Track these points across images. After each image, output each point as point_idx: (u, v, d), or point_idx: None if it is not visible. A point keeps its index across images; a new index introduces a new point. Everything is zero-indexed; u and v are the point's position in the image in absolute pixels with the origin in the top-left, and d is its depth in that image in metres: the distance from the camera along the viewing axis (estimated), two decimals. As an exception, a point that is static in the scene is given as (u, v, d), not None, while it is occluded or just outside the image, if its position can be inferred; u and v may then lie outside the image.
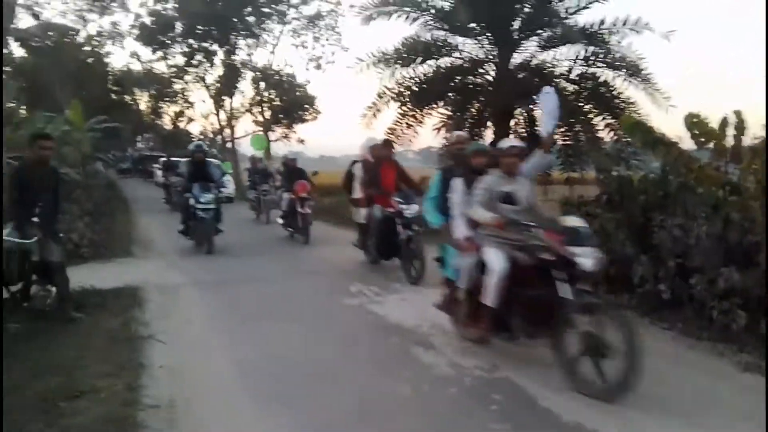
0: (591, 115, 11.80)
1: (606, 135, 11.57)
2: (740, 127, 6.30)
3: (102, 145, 30.22)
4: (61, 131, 16.83)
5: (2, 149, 9.20)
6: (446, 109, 12.50)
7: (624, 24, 10.86)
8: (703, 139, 6.60)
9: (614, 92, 11.37)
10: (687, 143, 6.76)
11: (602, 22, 11.00)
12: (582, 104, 11.84)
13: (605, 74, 11.40)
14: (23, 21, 23.40)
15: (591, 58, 11.37)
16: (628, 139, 10.29)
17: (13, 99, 14.29)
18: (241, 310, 6.22)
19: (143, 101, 42.06)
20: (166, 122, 44.37)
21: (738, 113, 6.29)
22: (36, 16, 29.76)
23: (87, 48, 34.88)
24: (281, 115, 34.22)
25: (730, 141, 6.41)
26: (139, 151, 49.39)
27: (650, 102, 11.16)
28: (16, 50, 29.59)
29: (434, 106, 12.62)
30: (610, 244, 6.09)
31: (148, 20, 31.52)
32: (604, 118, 11.65)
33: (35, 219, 5.31)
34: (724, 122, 6.37)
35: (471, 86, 12.56)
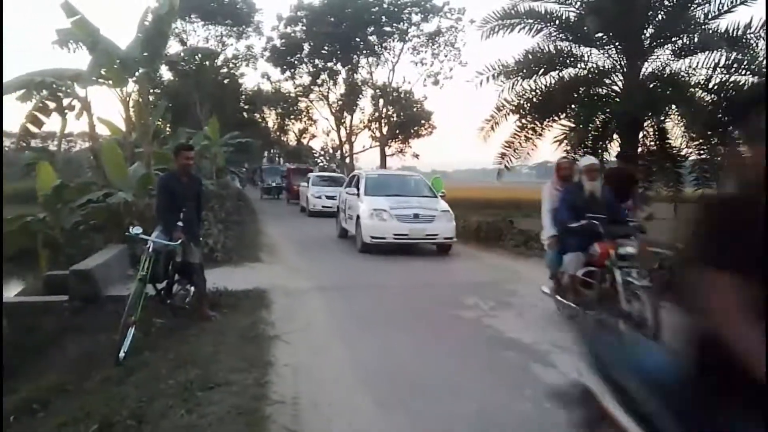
0: (730, 128, 10.86)
1: (747, 148, 10.57)
2: None
3: (234, 159, 32.62)
4: (201, 145, 18.38)
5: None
6: (569, 121, 12.08)
7: (774, 26, 9.91)
8: None
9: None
10: None
11: (748, 26, 10.12)
12: (721, 115, 10.93)
13: (750, 82, 10.43)
14: (172, 48, 25.86)
15: (733, 65, 10.46)
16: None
17: (160, 117, 15.81)
18: (362, 314, 6.40)
19: (271, 119, 44.87)
20: (291, 138, 47.01)
21: None
22: (183, 42, 33.03)
23: (224, 70, 37.88)
24: (398, 131, 34.92)
25: None
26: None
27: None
28: (165, 74, 32.77)
29: (555, 118, 12.25)
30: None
31: (278, 42, 33.67)
32: (746, 130, 10.66)
33: (180, 223, 5.81)
34: None
35: (596, 97, 12.05)
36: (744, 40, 10.27)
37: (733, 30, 10.33)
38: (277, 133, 47.08)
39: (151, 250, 5.49)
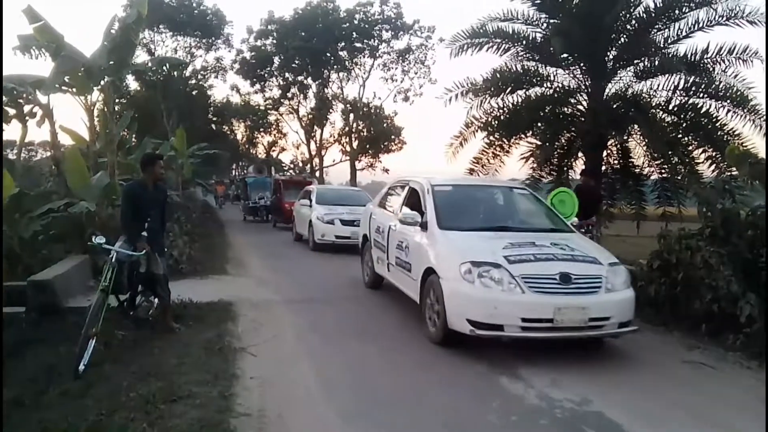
0: (690, 148, 11.26)
1: (706, 168, 10.98)
2: None
3: (201, 171, 32.21)
4: (167, 156, 18.09)
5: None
6: (535, 139, 12.34)
7: (730, 52, 10.36)
8: (820, 172, 6.15)
9: (717, 124, 10.79)
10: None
11: (706, 51, 10.54)
12: (681, 136, 11.32)
13: (708, 105, 10.85)
14: (139, 57, 25.53)
15: (692, 88, 10.87)
16: (732, 172, 9.75)
17: (126, 127, 15.52)
18: (326, 328, 6.36)
19: (240, 131, 44.53)
20: (260, 151, 46.69)
21: None
22: (151, 52, 32.61)
23: (192, 81, 37.52)
24: (368, 146, 35.08)
25: None
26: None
27: (758, 135, 10.46)
28: (132, 83, 32.28)
29: (522, 136, 12.51)
30: (714, 279, 5.73)
31: (248, 55, 33.55)
32: (704, 151, 11.06)
33: (144, 233, 5.70)
34: None
35: (561, 116, 12.36)
36: (702, 65, 10.69)
37: (692, 54, 10.76)
38: (246, 146, 46.74)
39: (114, 260, 5.36)
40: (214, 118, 41.88)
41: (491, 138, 12.46)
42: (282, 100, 35.49)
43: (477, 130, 12.48)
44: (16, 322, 6.34)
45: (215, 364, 4.79)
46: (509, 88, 12.01)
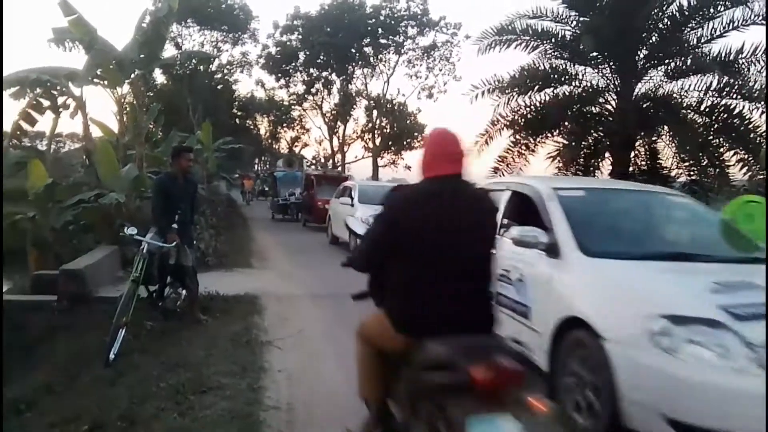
0: (722, 150, 11.03)
1: (737, 171, 10.75)
2: None
3: (225, 165, 32.48)
4: (194, 149, 18.29)
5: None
6: (562, 138, 12.21)
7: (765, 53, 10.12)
8: None
9: (750, 125, 10.55)
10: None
11: (740, 51, 10.31)
12: (712, 137, 11.10)
13: (741, 106, 10.61)
14: (167, 51, 25.81)
15: (725, 89, 10.64)
16: (763, 175, 9.55)
17: (153, 120, 15.74)
18: (352, 321, 6.37)
19: (263, 126, 44.83)
20: (283, 146, 46.98)
21: None
22: (178, 45, 32.97)
23: (218, 75, 37.83)
24: (390, 142, 35.04)
25: None
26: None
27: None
28: (158, 77, 32.67)
29: (549, 135, 12.38)
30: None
31: (273, 50, 33.73)
32: (735, 153, 10.82)
33: (175, 225, 5.78)
34: None
35: (589, 115, 12.20)
36: (736, 65, 10.46)
37: (725, 54, 10.52)
38: (269, 141, 47.07)
39: (145, 251, 5.45)
40: (239, 113, 42.20)
41: (517, 136, 12.35)
42: (306, 96, 35.64)
43: (503, 128, 12.38)
44: (48, 310, 6.50)
45: (243, 357, 4.84)
46: (537, 86, 11.87)
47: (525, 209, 4.67)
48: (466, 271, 2.45)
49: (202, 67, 34.53)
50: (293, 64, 33.91)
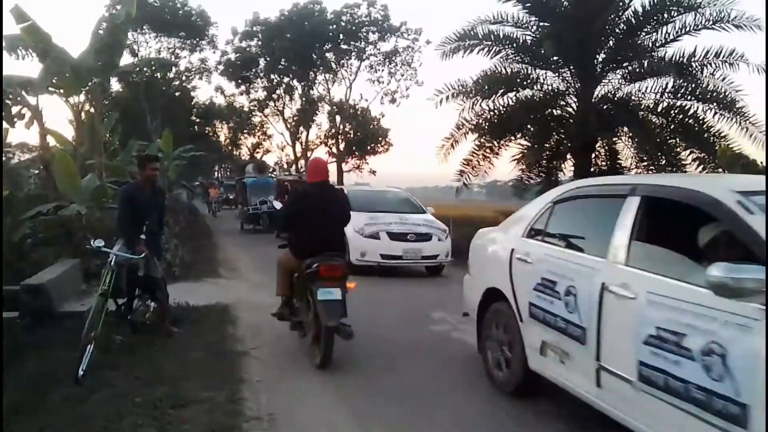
0: (678, 149, 11.44)
1: (694, 169, 11.16)
2: None
3: (185, 174, 31.85)
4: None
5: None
6: (525, 141, 12.44)
7: (717, 56, 10.54)
8: (811, 173, 6.28)
9: (704, 125, 10.98)
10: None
11: (693, 54, 10.72)
12: (669, 138, 11.50)
13: (695, 107, 11.04)
14: (123, 58, 25.25)
15: (679, 91, 11.05)
16: (719, 173, 9.93)
17: (110, 129, 15.35)
18: None
19: (223, 133, 44.25)
20: (244, 153, 46.44)
21: None
22: (134, 53, 32.28)
23: (176, 82, 37.20)
24: (354, 147, 35.04)
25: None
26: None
27: (744, 136, 10.64)
28: (114, 84, 31.91)
29: (512, 138, 12.61)
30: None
31: (233, 56, 33.36)
32: (691, 152, 11.25)
33: (143, 236, 5.63)
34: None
35: (550, 118, 12.48)
36: (689, 68, 10.86)
37: (679, 57, 10.93)
38: (230, 148, 46.47)
39: (113, 263, 5.29)
40: (198, 120, 41.57)
41: (482, 140, 12.55)
42: (267, 102, 35.37)
43: (468, 132, 12.56)
44: (10, 327, 6.21)
45: (219, 368, 4.75)
46: (500, 91, 12.10)
47: (672, 226, 3.24)
48: (327, 228, 5.17)
49: (159, 74, 33.94)
50: (253, 70, 33.62)
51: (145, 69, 30.77)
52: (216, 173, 54.59)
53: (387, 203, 11.36)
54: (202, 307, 6.90)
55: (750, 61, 10.36)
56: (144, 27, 31.89)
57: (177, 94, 37.94)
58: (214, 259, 11.53)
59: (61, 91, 11.27)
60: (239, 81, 34.23)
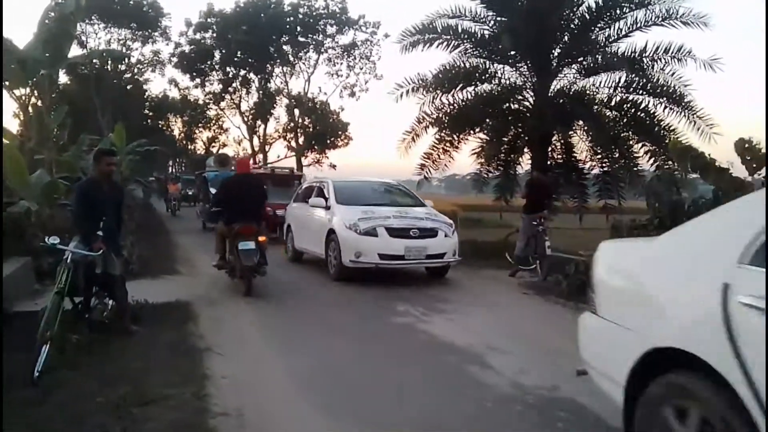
0: (631, 142, 11.80)
1: (645, 162, 11.55)
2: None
3: (138, 169, 30.88)
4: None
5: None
6: (484, 135, 12.62)
7: (665, 51, 10.91)
8: (755, 165, 6.59)
9: (655, 119, 11.36)
10: (738, 169, 6.74)
11: (644, 50, 11.06)
12: (621, 131, 11.86)
13: (646, 101, 11.41)
14: (72, 50, 24.34)
15: (632, 85, 11.40)
16: (669, 165, 10.30)
17: (59, 123, 14.79)
18: (279, 319, 6.40)
19: (177, 126, 43.28)
20: (199, 147, 45.54)
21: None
22: (83, 44, 31.15)
23: (128, 75, 36.13)
24: (314, 141, 34.79)
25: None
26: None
27: (692, 129, 11.06)
28: (62, 77, 30.73)
29: (472, 131, 12.77)
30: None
31: (187, 48, 32.59)
32: (643, 145, 11.63)
33: (100, 233, 5.48)
34: (778, 148, 6.33)
35: (508, 113, 12.68)
36: (640, 63, 11.21)
37: (631, 53, 11.27)
38: (184, 142, 45.48)
39: (69, 261, 5.13)
40: (151, 114, 40.50)
41: (442, 134, 12.66)
42: (223, 95, 34.71)
43: (428, 126, 12.65)
44: (-42, 330, 5.95)
45: (183, 365, 4.67)
46: (459, 85, 12.23)
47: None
48: (246, 204, 7.61)
49: (110, 66, 32.89)
50: (208, 62, 32.94)
51: (95, 61, 29.73)
52: (170, 168, 53.36)
53: (380, 195, 10.15)
54: (161, 305, 6.76)
55: (697, 57, 10.76)
56: (93, 17, 30.80)
57: (129, 87, 36.86)
58: (172, 255, 11.28)
59: (7, 83, 10.79)
60: (194, 74, 33.47)
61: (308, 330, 6.11)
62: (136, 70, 36.43)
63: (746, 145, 6.56)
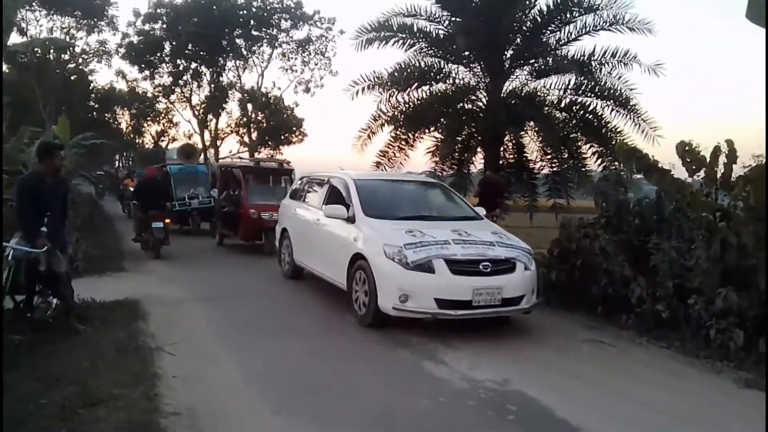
0: (579, 143, 12.14)
1: (593, 162, 11.91)
2: (731, 156, 6.58)
3: (82, 163, 29.70)
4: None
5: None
6: (439, 134, 12.73)
7: (612, 56, 11.28)
8: (694, 167, 6.88)
9: (603, 121, 11.74)
10: (679, 171, 7.03)
11: (592, 54, 11.41)
12: (571, 132, 12.18)
13: (594, 104, 11.78)
14: (11, 37, 23.24)
15: (580, 88, 11.74)
16: (615, 166, 10.66)
17: (-2, 114, 14.08)
18: (234, 320, 6.30)
19: (125, 119, 41.95)
20: (148, 141, 44.28)
21: (730, 142, 6.56)
22: (22, 32, 29.75)
23: (72, 65, 34.75)
24: (267, 137, 34.33)
25: (720, 169, 6.70)
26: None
27: (637, 131, 11.47)
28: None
29: (427, 130, 12.87)
30: (610, 265, 6.27)
31: (135, 39, 31.58)
32: (591, 146, 11.98)
33: (44, 228, 5.28)
34: (716, 151, 6.64)
35: (462, 112, 12.83)
36: (589, 66, 11.55)
37: (580, 56, 11.60)
38: (132, 135, 44.11)
39: (10, 258, 4.92)
40: (96, 106, 39.06)
41: (397, 132, 12.71)
42: (173, 88, 33.78)
43: (384, 124, 12.69)
44: None
45: (132, 365, 4.56)
46: (414, 84, 12.30)
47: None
48: (157, 198, 10.90)
49: (53, 55, 31.57)
50: (158, 54, 31.96)
51: (36, 50, 28.45)
52: (117, 162, 51.61)
53: (422, 202, 7.47)
54: (109, 303, 6.56)
55: (642, 61, 11.17)
56: (34, 3, 29.48)
57: (73, 77, 35.45)
58: (120, 253, 10.94)
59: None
60: (142, 65, 32.42)
61: (262, 329, 6.04)
62: (81, 60, 35.05)
63: (687, 148, 6.82)
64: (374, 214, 6.50)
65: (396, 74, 12.22)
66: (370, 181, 7.65)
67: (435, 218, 6.83)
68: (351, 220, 6.59)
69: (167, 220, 10.56)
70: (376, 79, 12.43)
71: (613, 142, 10.82)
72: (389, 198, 7.29)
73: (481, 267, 5.69)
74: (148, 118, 40.31)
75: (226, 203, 12.57)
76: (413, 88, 12.29)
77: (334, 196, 7.35)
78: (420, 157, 13.00)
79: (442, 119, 12.68)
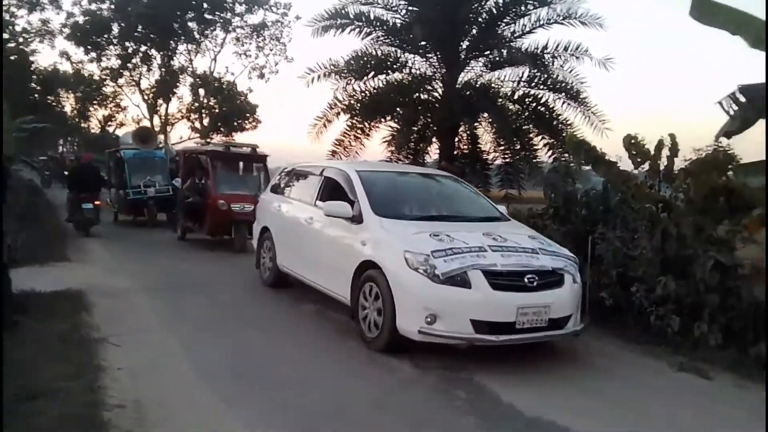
0: (531, 135, 12.38)
1: (544, 154, 12.17)
2: (674, 150, 6.84)
3: (23, 148, 28.38)
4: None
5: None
6: (395, 123, 12.75)
7: (565, 49, 11.52)
8: (639, 159, 7.13)
9: (554, 114, 11.99)
10: (626, 163, 7.27)
11: (545, 47, 11.62)
12: (523, 124, 12.40)
13: (546, 96, 12.01)
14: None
15: (533, 80, 11.94)
16: (565, 157, 10.93)
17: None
18: (187, 312, 6.17)
19: (69, 103, 40.27)
20: (94, 126, 42.67)
21: (672, 136, 6.82)
22: (-43, 7, 28.13)
23: (12, 45, 33.08)
24: (220, 123, 33.62)
25: (663, 162, 6.97)
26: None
27: (587, 124, 11.77)
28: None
29: (383, 119, 12.87)
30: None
31: (81, 19, 30.32)
32: (542, 138, 12.24)
33: (-22, 216, 5.05)
34: (659, 144, 6.90)
35: (418, 102, 12.88)
36: (542, 59, 11.76)
37: (534, 49, 11.80)
38: (77, 120, 42.41)
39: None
40: (38, 88, 37.34)
41: (353, 121, 12.67)
42: (122, 71, 32.61)
43: (340, 112, 12.62)
44: None
45: (75, 357, 4.40)
46: (371, 73, 12.27)
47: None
48: (88, 183, 11.87)
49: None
50: (105, 36, 30.76)
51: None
52: (61, 148, 49.60)
53: (441, 199, 6.42)
54: (50, 294, 6.32)
55: (593, 55, 11.46)
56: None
57: (13, 57, 33.76)
58: (63, 242, 10.54)
59: None
60: (89, 47, 31.14)
61: (214, 319, 5.95)
62: (21, 40, 33.41)
63: (632, 141, 7.07)
64: (386, 213, 5.40)
65: (352, 62, 12.16)
66: (376, 172, 6.49)
67: (460, 219, 5.77)
68: (356, 219, 5.48)
69: (97, 202, 11.62)
70: (332, 67, 12.34)
71: (564, 135, 11.08)
72: (401, 193, 6.23)
73: (526, 280, 4.67)
74: (95, 102, 38.78)
75: (190, 193, 11.24)
76: (370, 77, 12.26)
77: (331, 191, 6.24)
78: (376, 147, 12.97)
79: (398, 109, 12.70)
